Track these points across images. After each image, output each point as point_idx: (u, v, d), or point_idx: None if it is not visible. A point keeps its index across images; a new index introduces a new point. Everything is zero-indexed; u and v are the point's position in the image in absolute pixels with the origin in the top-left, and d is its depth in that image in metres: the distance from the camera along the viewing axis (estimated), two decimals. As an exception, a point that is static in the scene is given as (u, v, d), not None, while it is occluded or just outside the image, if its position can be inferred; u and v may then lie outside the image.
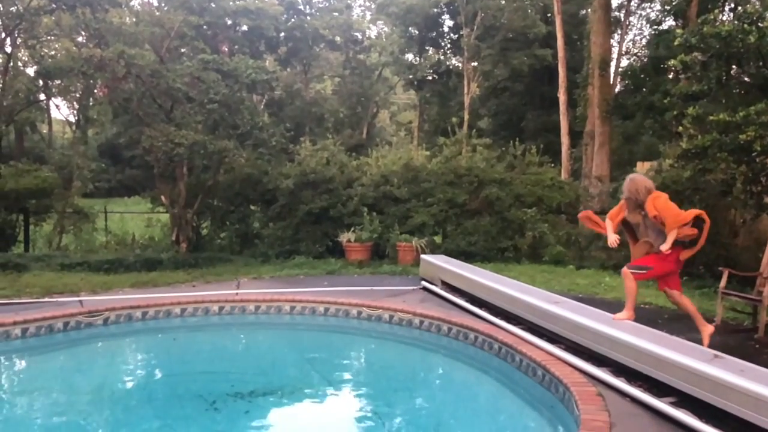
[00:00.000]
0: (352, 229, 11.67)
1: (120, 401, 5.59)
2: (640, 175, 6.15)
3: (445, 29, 32.51)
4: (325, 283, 9.32)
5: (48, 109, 33.14)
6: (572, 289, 8.76)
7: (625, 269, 5.78)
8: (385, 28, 37.04)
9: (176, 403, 5.33)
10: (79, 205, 14.11)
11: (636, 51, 27.52)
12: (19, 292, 8.01)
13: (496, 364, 5.98)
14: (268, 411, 5.29)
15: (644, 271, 5.71)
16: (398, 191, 12.25)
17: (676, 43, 9.53)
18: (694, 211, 5.64)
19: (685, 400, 4.33)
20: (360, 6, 41.98)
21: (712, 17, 9.27)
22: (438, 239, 12.34)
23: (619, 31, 25.48)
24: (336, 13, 35.28)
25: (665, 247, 5.54)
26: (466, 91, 28.31)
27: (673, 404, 4.31)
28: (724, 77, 9.78)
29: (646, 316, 6.91)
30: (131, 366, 6.89)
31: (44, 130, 37.68)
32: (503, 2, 27.69)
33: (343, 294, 8.12)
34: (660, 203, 5.58)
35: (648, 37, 25.84)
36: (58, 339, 6.65)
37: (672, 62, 9.73)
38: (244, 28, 31.09)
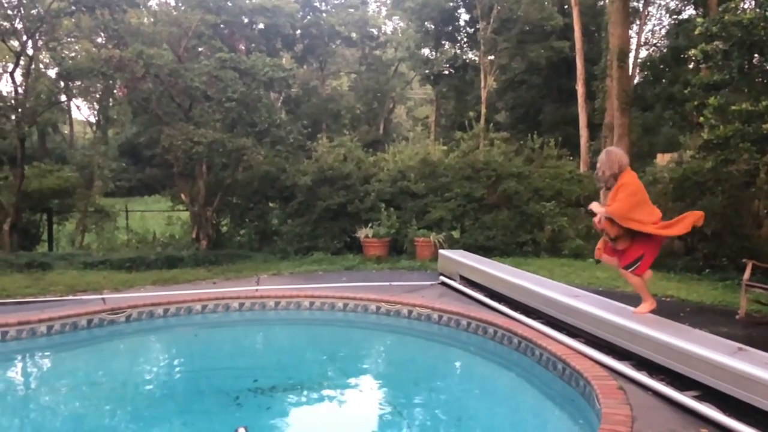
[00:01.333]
0: (370, 224, 11.69)
1: (143, 397, 5.67)
2: (618, 149, 5.86)
3: (461, 23, 32.32)
4: (343, 278, 9.35)
5: (69, 110, 33.55)
6: (592, 283, 8.70)
7: (622, 271, 5.59)
8: (401, 24, 36.95)
9: (198, 399, 5.39)
10: (100, 204, 14.32)
11: (655, 41, 27.25)
12: (43, 291, 8.14)
13: (515, 359, 5.97)
14: (289, 406, 5.32)
15: (638, 264, 5.45)
16: (415, 186, 12.24)
17: (696, 32, 9.38)
18: (641, 226, 5.26)
19: (709, 394, 4.28)
20: (375, 2, 41.84)
21: (733, 5, 9.12)
22: (456, 234, 12.31)
23: (638, 22, 25.21)
24: (351, 10, 35.25)
25: (595, 208, 5.56)
26: (482, 84, 28.15)
27: (696, 398, 4.27)
28: (746, 66, 9.61)
29: (668, 308, 6.83)
30: (153, 362, 6.98)
31: (66, 130, 38.19)
32: (519, -6, 27.47)
33: (362, 289, 8.14)
34: (626, 191, 5.32)
35: (667, 26, 25.54)
36: (81, 336, 6.75)
37: (692, 52, 9.59)
38: (261, 26, 31.18)
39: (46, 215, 13.06)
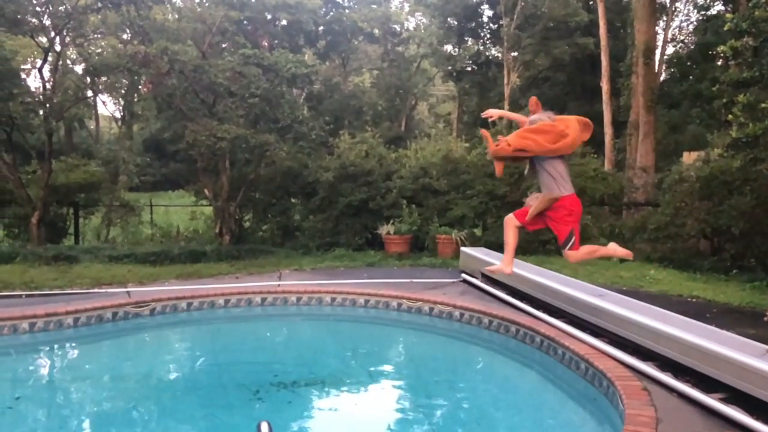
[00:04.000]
0: (392, 221, 11.69)
1: (166, 389, 5.74)
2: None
3: (485, 19, 32.12)
4: (364, 275, 9.36)
5: (95, 106, 34.08)
6: (616, 282, 8.61)
7: (565, 252, 5.57)
8: (424, 20, 36.82)
9: (221, 392, 5.44)
10: (125, 199, 14.53)
11: (682, 38, 26.77)
12: (70, 283, 8.28)
13: (537, 358, 5.92)
14: (310, 401, 5.34)
15: (573, 239, 5.47)
16: (437, 183, 12.19)
17: (725, 28, 9.22)
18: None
19: (735, 396, 4.20)
20: (398, -3, 41.83)
21: (764, 0, 8.92)
22: (478, 232, 12.25)
23: (665, 18, 24.79)
24: (374, 6, 35.23)
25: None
26: (506, 81, 27.96)
27: (723, 400, 4.19)
28: (777, 63, 9.42)
29: (694, 309, 6.74)
30: (177, 355, 7.06)
31: (92, 126, 38.75)
32: (544, -10, 27.21)
33: (383, 286, 8.14)
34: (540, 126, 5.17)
35: (695, 22, 25.08)
36: (107, 328, 6.85)
37: (721, 48, 9.41)
38: (284, 22, 31.28)
39: (73, 209, 13.27)
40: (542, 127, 5.20)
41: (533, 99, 5.63)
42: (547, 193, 5.33)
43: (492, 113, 5.86)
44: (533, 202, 5.53)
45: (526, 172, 5.70)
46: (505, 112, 6.24)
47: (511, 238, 5.73)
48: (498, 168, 5.57)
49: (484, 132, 5.97)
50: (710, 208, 10.08)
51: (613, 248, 5.77)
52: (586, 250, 5.62)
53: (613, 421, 4.33)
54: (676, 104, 21.39)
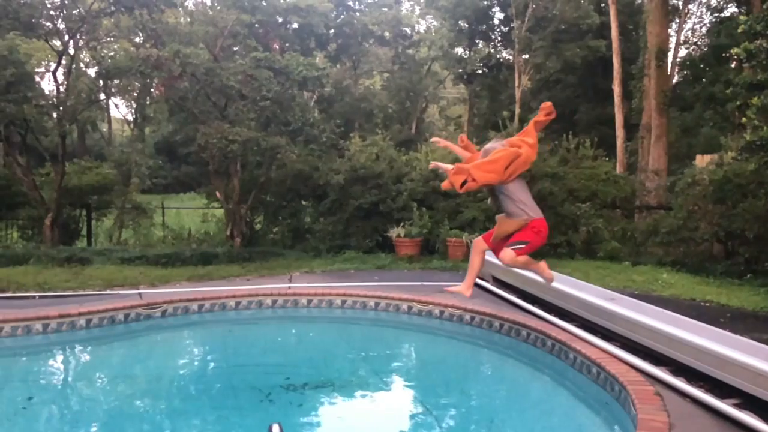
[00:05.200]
0: (402, 224, 11.67)
1: (177, 391, 5.77)
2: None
3: (496, 22, 32.10)
4: (375, 277, 9.36)
5: (108, 108, 34.35)
6: (628, 286, 8.54)
7: (504, 249, 5.48)
8: (435, 23, 36.82)
9: (231, 394, 5.45)
10: (137, 201, 14.64)
11: (695, 40, 26.60)
12: (83, 285, 8.33)
13: (548, 362, 5.89)
14: (320, 404, 5.35)
15: (522, 246, 5.40)
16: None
17: (739, 30, 9.16)
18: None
19: (749, 402, 4.16)
20: (409, 0, 41.83)
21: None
22: (488, 234, 12.20)
23: (677, 20, 24.65)
24: (385, 9, 35.27)
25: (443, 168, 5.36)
26: (517, 84, 27.89)
27: (737, 406, 4.15)
28: (792, 65, 9.33)
29: (707, 314, 6.68)
30: (188, 357, 7.10)
31: (104, 128, 39.05)
32: (555, -7, 27.15)
33: (394, 289, 8.13)
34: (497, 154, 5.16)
35: (708, 25, 24.91)
36: (119, 330, 6.89)
37: (735, 50, 9.34)
38: (295, 25, 31.40)
39: (86, 211, 13.38)
40: (498, 156, 5.18)
41: (462, 137, 5.84)
42: (518, 219, 5.30)
43: (437, 142, 5.94)
44: (504, 225, 5.48)
45: (489, 201, 5.67)
46: (450, 144, 6.06)
47: (477, 262, 5.75)
48: (458, 184, 5.36)
49: (434, 164, 5.86)
50: (724, 211, 9.99)
51: (543, 266, 5.80)
52: (524, 259, 5.56)
53: (626, 426, 4.30)
54: (689, 107, 21.25)
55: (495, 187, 5.31)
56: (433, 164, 6.00)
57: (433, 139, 6.18)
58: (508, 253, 5.40)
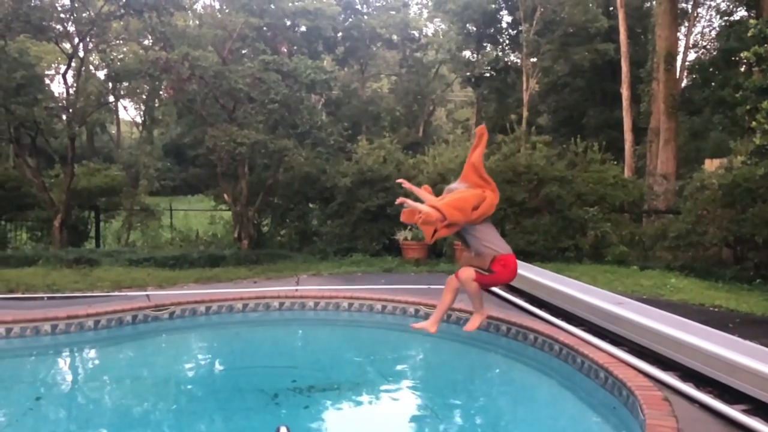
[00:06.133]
0: (409, 227, 11.66)
1: (184, 392, 5.78)
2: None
3: (504, 25, 32.13)
4: (382, 280, 9.35)
5: (116, 111, 34.52)
6: (636, 291, 8.49)
7: (468, 269, 5.37)
8: (442, 26, 36.87)
9: (238, 396, 5.46)
10: (145, 203, 14.70)
11: (705, 43, 26.49)
12: (91, 286, 8.37)
13: (556, 366, 5.86)
14: (327, 406, 5.35)
15: (486, 271, 5.29)
16: (456, 190, 12.14)
17: (749, 34, 9.14)
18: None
19: (759, 408, 4.14)
20: (417, 4, 41.89)
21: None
22: (496, 238, 12.17)
23: (687, 23, 24.56)
24: (393, 12, 35.37)
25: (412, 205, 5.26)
26: (524, 87, 27.88)
27: (746, 412, 4.12)
28: (802, 69, 9.31)
29: (716, 319, 6.64)
30: (195, 359, 7.11)
31: (113, 130, 39.28)
32: (563, -3, 27.13)
33: (401, 292, 8.12)
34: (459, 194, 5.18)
35: (718, 28, 24.79)
36: (126, 331, 6.91)
37: (745, 54, 9.34)
38: (303, 28, 31.52)
39: (94, 213, 13.45)
40: (467, 195, 5.23)
41: (426, 187, 5.79)
42: (486, 258, 5.25)
43: (402, 182, 5.86)
44: (472, 262, 5.43)
45: (459, 242, 5.60)
46: (414, 187, 5.88)
47: (448, 299, 5.65)
48: (428, 233, 5.36)
49: (404, 183, 5.81)
50: (733, 216, 9.93)
51: (483, 314, 5.71)
52: (476, 287, 5.44)
53: (633, 431, 4.27)
54: (698, 111, 21.16)
55: (463, 228, 5.29)
56: (403, 182, 5.85)
57: (399, 180, 6.14)
58: (469, 272, 5.31)
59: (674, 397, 4.47)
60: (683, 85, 22.25)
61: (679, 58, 21.24)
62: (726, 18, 22.13)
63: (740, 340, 5.01)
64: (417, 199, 5.59)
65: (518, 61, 30.96)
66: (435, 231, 5.24)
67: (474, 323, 5.55)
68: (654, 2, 20.72)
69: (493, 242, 5.30)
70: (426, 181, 12.31)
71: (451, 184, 5.62)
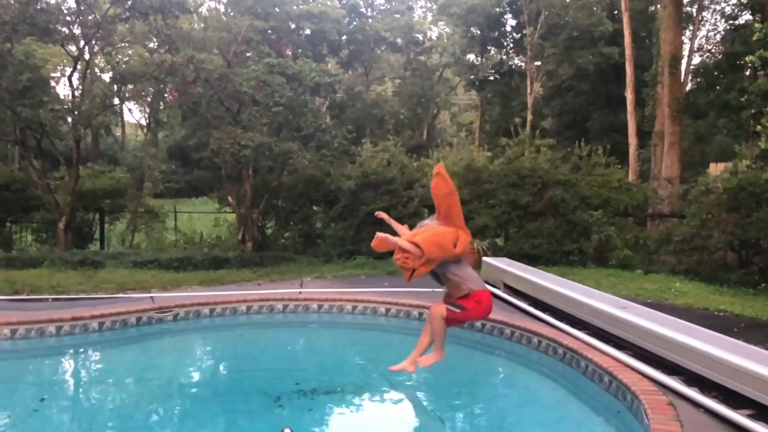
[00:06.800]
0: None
1: (188, 394, 5.79)
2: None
3: (508, 29, 32.12)
4: (386, 283, 9.35)
5: (121, 113, 34.67)
6: (640, 294, 8.48)
7: (445, 304, 5.23)
8: (447, 29, 36.90)
9: (242, 398, 5.47)
10: (150, 205, 14.70)
11: (709, 47, 26.44)
12: (95, 288, 8.40)
13: (560, 370, 5.86)
14: (330, 409, 5.35)
15: (460, 306, 5.13)
16: (459, 192, 12.12)
17: (754, 38, 9.13)
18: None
19: (764, 413, 4.12)
20: (421, 7, 41.93)
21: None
22: (500, 242, 12.18)
23: (691, 27, 24.51)
24: (397, 15, 35.45)
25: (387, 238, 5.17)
26: (529, 90, 27.88)
27: (751, 417, 4.11)
28: (807, 73, 9.28)
29: (721, 324, 6.62)
30: (199, 361, 7.11)
31: (118, 133, 39.41)
32: (568, 0, 27.12)
33: (404, 295, 8.11)
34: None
35: (722, 32, 24.75)
36: (130, 333, 6.93)
37: (749, 58, 9.33)
38: (308, 31, 31.59)
39: (99, 215, 13.47)
40: (444, 231, 5.19)
41: (405, 228, 5.65)
42: (461, 293, 5.18)
43: (379, 214, 5.83)
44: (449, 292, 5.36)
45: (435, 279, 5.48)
46: (391, 220, 5.86)
47: (439, 328, 5.44)
48: (407, 276, 5.24)
49: (382, 216, 5.76)
50: (738, 220, 9.90)
51: (439, 354, 5.41)
52: (442, 326, 5.25)
53: (638, 436, 4.27)
54: (703, 114, 21.13)
55: (438, 265, 5.23)
56: (381, 215, 5.82)
57: (377, 212, 6.10)
58: (441, 308, 5.19)
59: (679, 402, 4.46)
60: (688, 88, 22.23)
61: (684, 61, 21.22)
62: (731, 22, 22.06)
63: (745, 344, 4.99)
64: (393, 232, 5.53)
65: (522, 64, 30.95)
66: (413, 271, 5.16)
67: (429, 360, 5.40)
68: (659, 6, 20.66)
69: (467, 279, 5.21)
70: (430, 184, 12.33)
71: (424, 220, 5.58)
